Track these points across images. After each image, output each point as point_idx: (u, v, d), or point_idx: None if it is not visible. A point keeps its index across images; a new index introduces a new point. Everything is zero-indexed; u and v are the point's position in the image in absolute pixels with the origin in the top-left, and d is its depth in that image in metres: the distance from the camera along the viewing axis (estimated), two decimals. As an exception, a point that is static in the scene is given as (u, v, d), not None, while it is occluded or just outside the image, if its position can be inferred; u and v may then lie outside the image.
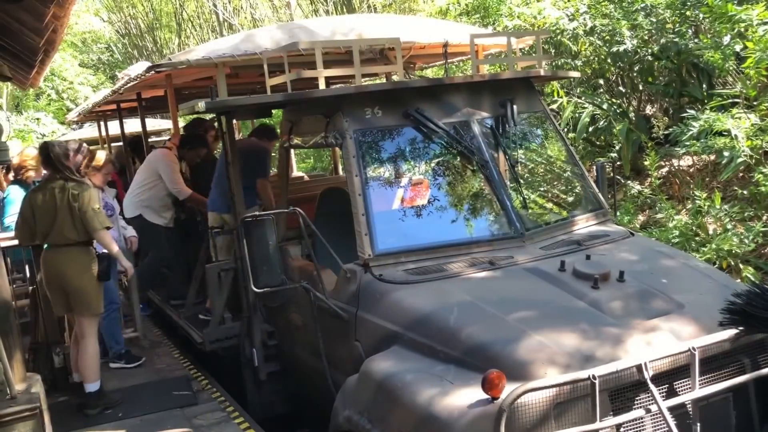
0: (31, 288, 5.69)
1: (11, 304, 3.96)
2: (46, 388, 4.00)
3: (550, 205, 4.82)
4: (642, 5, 8.19)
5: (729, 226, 6.40)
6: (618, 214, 6.74)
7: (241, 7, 20.13)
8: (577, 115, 8.55)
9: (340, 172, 8.54)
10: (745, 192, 7.00)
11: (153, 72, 5.50)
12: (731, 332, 3.18)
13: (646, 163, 7.83)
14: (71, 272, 4.80)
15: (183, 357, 6.24)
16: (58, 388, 5.46)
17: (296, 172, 9.64)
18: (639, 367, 2.95)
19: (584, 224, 4.54)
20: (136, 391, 5.37)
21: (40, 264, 5.03)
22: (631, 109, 9.07)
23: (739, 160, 6.28)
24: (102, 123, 11.01)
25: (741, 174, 7.48)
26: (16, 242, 5.23)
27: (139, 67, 7.48)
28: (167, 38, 23.74)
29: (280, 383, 5.13)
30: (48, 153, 4.80)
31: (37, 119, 17.62)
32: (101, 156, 5.82)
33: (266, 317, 5.05)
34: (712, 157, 7.66)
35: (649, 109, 9.69)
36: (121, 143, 10.00)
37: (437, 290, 3.65)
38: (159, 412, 4.92)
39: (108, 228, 4.99)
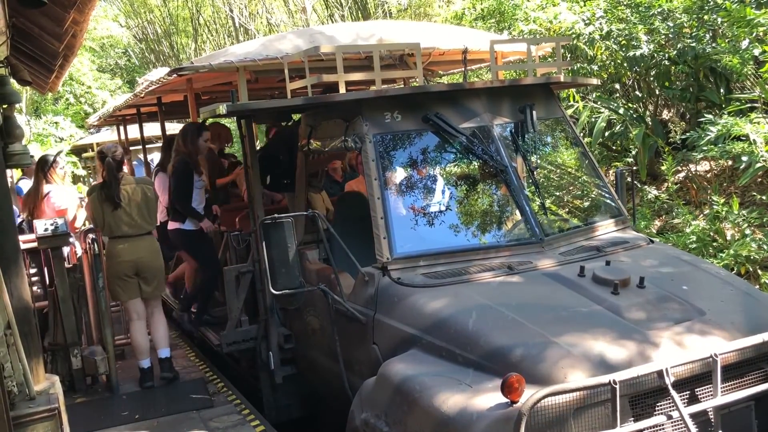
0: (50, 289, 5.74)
1: (31, 306, 4.00)
2: (64, 389, 4.02)
3: (569, 211, 4.80)
4: (659, 9, 8.15)
5: (747, 232, 6.36)
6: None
7: (257, 12, 20.24)
8: (592, 119, 8.51)
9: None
10: (763, 197, 6.95)
11: (175, 75, 5.54)
12: (753, 339, 3.15)
13: (662, 168, 7.78)
14: (152, 257, 5.45)
15: (199, 360, 6.27)
16: (76, 390, 5.51)
17: None
18: (660, 373, 2.93)
19: (604, 231, 4.51)
20: (153, 393, 5.41)
21: (107, 255, 5.46)
22: (647, 113, 9.02)
23: (758, 165, 6.23)
24: (121, 127, 11.10)
25: (759, 179, 7.42)
26: (35, 245, 5.32)
27: (159, 73, 7.52)
28: (184, 43, 23.90)
29: (296, 386, 5.14)
30: (121, 157, 5.41)
31: (56, 123, 17.76)
32: None
33: (283, 320, 5.06)
34: (730, 162, 7.61)
35: (665, 114, 9.64)
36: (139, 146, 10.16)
37: (456, 294, 3.64)
38: (175, 415, 4.94)
39: None
